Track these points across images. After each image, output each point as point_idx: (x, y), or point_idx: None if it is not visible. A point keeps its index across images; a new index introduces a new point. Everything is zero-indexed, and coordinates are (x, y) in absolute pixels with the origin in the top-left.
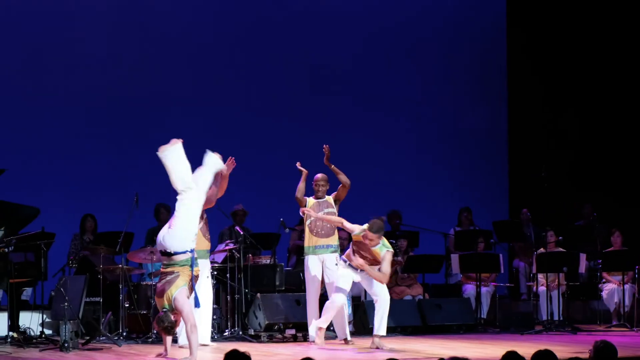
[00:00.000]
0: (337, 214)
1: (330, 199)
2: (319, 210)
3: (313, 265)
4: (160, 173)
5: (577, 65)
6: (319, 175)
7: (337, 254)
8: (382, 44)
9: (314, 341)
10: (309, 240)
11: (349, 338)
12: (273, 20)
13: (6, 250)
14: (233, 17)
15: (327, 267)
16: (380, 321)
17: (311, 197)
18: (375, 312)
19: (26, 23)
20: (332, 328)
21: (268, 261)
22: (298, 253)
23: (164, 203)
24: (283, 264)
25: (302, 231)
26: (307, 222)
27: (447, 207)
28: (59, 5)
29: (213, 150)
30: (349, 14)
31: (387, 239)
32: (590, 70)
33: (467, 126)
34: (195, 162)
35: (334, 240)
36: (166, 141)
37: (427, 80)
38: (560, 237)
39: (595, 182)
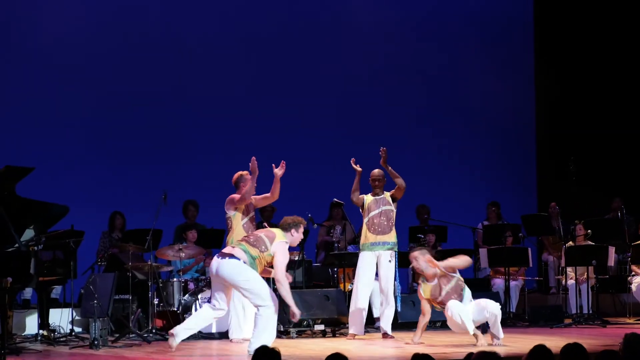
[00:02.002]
0: (395, 211)
1: (388, 195)
2: (377, 207)
3: (368, 261)
4: (189, 170)
5: (607, 57)
6: (376, 171)
7: (392, 251)
8: (407, 38)
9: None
10: (365, 237)
11: (389, 332)
12: (299, 27)
13: (36, 248)
14: (260, 24)
15: (381, 264)
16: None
17: (368, 195)
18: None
19: (51, 32)
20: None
21: (296, 257)
22: (326, 249)
23: (192, 200)
24: (311, 259)
25: (330, 227)
26: (365, 220)
27: (476, 201)
28: (88, 15)
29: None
30: (370, 13)
31: (416, 233)
32: (620, 62)
33: (495, 120)
34: (217, 158)
35: (391, 237)
36: (193, 138)
37: (455, 75)
38: (589, 231)
39: (624, 175)
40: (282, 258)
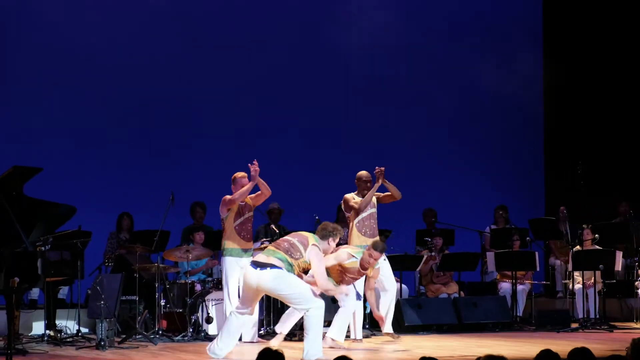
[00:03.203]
0: (376, 214)
1: (374, 198)
2: (365, 210)
3: None
4: (196, 172)
5: (615, 61)
6: (363, 173)
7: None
8: (416, 42)
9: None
10: (356, 239)
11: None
12: (303, 27)
13: (43, 248)
14: (262, 26)
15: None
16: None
17: (353, 193)
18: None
19: (58, 35)
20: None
21: None
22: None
23: (199, 201)
24: None
25: None
26: (355, 221)
27: (483, 204)
28: (102, 17)
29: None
30: (374, 13)
31: (423, 237)
32: (629, 66)
33: (503, 123)
34: (224, 160)
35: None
36: (200, 139)
37: (463, 80)
38: (597, 235)
39: (632, 180)
40: (319, 264)
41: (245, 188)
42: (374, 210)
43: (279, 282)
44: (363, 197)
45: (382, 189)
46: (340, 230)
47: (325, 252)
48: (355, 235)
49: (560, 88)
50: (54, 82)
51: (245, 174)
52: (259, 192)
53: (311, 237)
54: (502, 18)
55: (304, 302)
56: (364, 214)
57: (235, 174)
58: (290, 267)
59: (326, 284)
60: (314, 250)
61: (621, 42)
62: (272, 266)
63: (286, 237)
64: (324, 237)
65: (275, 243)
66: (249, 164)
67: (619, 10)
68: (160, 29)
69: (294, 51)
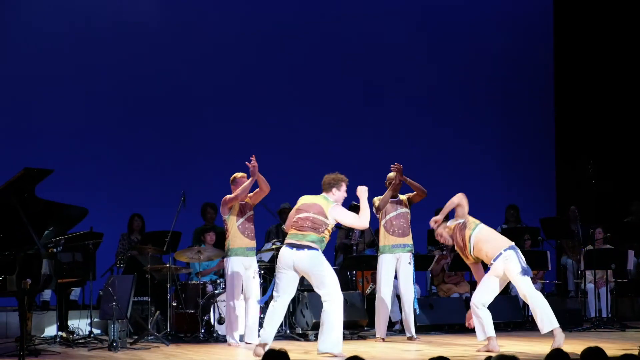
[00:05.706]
0: (410, 214)
1: (405, 199)
2: (394, 209)
3: (388, 263)
4: (207, 172)
5: (625, 61)
6: (392, 174)
7: (411, 254)
8: (425, 42)
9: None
10: (384, 239)
11: (414, 335)
12: (317, 27)
13: (55, 250)
14: (279, 21)
15: (400, 266)
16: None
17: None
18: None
19: (79, 37)
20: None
21: None
22: (345, 252)
23: (210, 202)
24: (330, 262)
25: (349, 230)
26: (383, 222)
27: (494, 204)
28: (112, 20)
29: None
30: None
31: (434, 236)
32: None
33: (515, 123)
34: (235, 160)
35: (410, 239)
36: (211, 140)
37: (474, 78)
38: (608, 234)
39: None
40: (346, 216)
41: (246, 184)
42: (405, 210)
43: (315, 262)
44: (390, 197)
45: (409, 189)
46: (341, 176)
47: (337, 202)
48: (383, 235)
49: (572, 88)
50: (64, 84)
51: (245, 174)
52: (257, 189)
53: (323, 202)
54: (514, 20)
55: (331, 287)
56: (391, 214)
57: (234, 175)
58: (323, 243)
59: (366, 215)
60: (335, 211)
61: (634, 44)
62: (309, 247)
63: (302, 216)
64: (326, 191)
65: (297, 225)
66: (246, 162)
67: (632, 5)
68: (172, 33)
69: (305, 50)
